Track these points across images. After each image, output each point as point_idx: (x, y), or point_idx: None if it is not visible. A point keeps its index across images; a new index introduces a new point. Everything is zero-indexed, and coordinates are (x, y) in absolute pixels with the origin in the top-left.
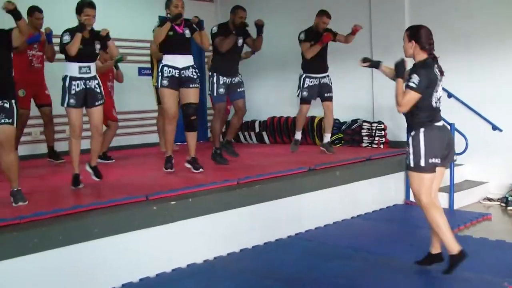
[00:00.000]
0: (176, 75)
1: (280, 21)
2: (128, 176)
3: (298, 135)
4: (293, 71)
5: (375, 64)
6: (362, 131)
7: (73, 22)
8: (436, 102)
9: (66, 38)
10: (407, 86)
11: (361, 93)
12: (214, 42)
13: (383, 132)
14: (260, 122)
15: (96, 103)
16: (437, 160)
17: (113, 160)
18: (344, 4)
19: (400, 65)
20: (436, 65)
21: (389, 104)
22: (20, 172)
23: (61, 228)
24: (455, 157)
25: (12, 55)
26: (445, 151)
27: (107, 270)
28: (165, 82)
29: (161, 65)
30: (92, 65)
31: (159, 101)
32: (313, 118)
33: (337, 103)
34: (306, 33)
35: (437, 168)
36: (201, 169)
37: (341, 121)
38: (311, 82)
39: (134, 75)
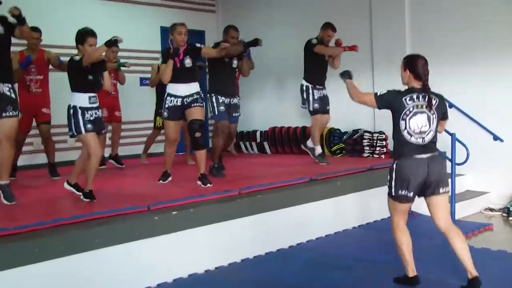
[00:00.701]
0: (178, 104)
1: (281, 33)
2: (129, 186)
3: (319, 149)
4: (293, 81)
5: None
6: (364, 141)
7: (68, 37)
8: (412, 135)
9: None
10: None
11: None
12: (214, 59)
13: (384, 142)
14: (261, 132)
15: (103, 131)
16: (409, 194)
17: (123, 166)
18: (344, 13)
19: (345, 72)
20: (416, 95)
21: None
22: (21, 182)
23: (62, 238)
24: (446, 189)
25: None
26: (428, 181)
27: (108, 280)
28: (165, 114)
29: (166, 93)
30: (97, 96)
31: (155, 126)
32: None
33: (338, 113)
34: (317, 39)
35: (432, 198)
36: (209, 184)
37: (343, 131)
38: (319, 93)
39: (135, 85)
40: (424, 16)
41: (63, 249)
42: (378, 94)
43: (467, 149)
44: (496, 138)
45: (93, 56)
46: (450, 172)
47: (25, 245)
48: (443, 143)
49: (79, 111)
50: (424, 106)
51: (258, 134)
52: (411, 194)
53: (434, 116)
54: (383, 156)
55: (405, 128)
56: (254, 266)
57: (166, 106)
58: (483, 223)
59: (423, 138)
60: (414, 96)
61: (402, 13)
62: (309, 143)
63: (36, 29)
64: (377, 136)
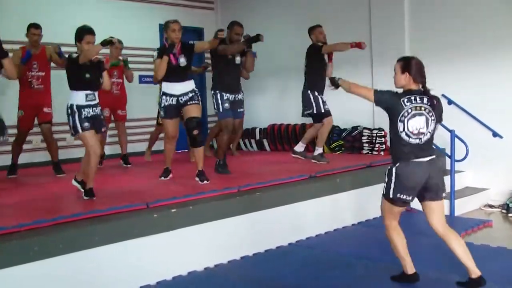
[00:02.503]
0: (174, 103)
1: (280, 30)
2: (128, 184)
3: (320, 150)
4: (293, 79)
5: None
6: (363, 138)
7: (68, 35)
8: (410, 137)
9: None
10: None
11: (361, 100)
12: (218, 51)
13: (383, 139)
14: (260, 129)
15: (102, 129)
16: (407, 197)
17: (130, 165)
18: (344, 12)
19: (333, 80)
20: (414, 97)
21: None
22: (20, 180)
23: (61, 236)
24: (446, 191)
25: None
26: (428, 185)
27: (107, 278)
28: (162, 113)
29: (162, 92)
30: (96, 93)
31: (158, 122)
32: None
33: (337, 110)
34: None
35: (431, 202)
36: (206, 181)
37: (342, 128)
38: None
39: (134, 83)
40: (424, 16)
41: (63, 247)
42: (378, 90)
43: (466, 145)
44: (495, 134)
45: (89, 54)
46: (449, 168)
47: (24, 244)
48: (443, 140)
49: (76, 111)
50: (423, 108)
51: (257, 131)
52: (410, 197)
53: (432, 118)
54: (382, 153)
55: (403, 129)
56: (254, 263)
57: (162, 105)
58: (482, 219)
59: (420, 139)
60: (412, 98)
61: (402, 13)
62: (317, 151)
63: (36, 26)
64: (376, 133)
